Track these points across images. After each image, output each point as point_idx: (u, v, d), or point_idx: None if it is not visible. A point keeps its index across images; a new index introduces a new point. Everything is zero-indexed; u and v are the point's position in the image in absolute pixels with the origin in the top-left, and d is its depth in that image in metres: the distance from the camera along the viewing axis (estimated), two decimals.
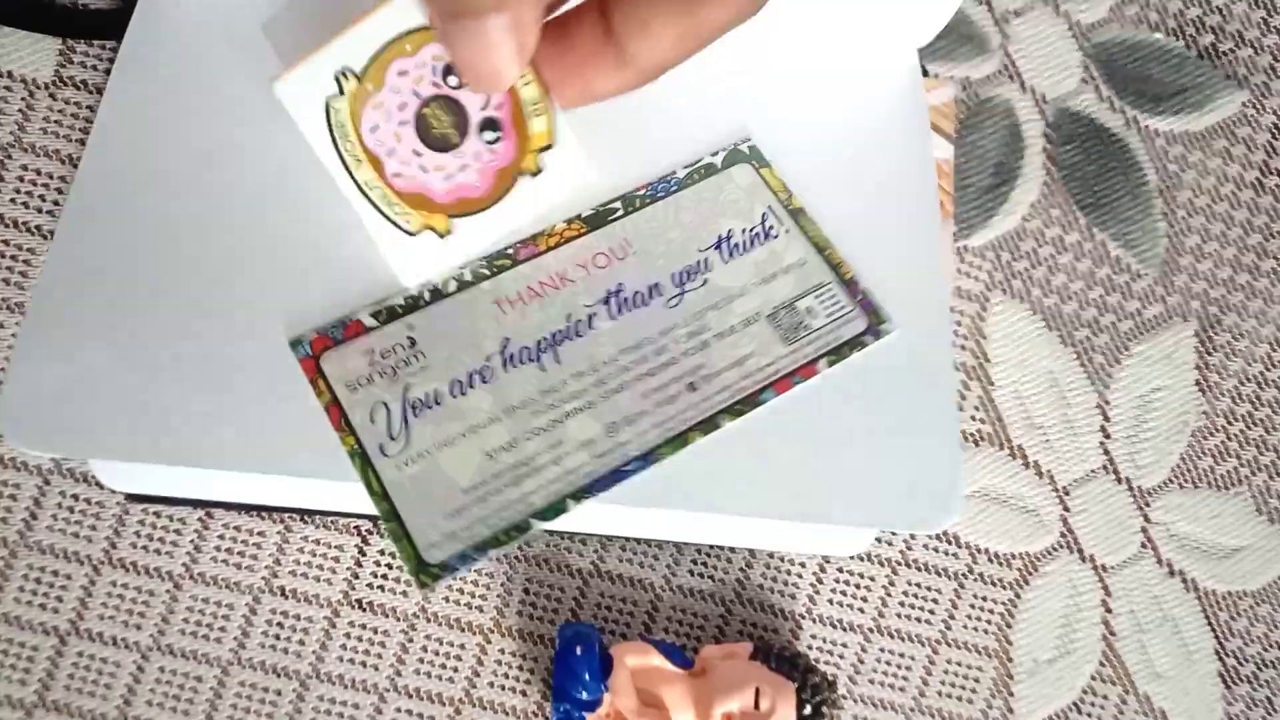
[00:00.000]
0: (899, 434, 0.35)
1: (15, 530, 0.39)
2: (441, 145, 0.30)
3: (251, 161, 0.35)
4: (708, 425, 0.34)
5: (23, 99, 0.41)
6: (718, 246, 0.36)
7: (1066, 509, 0.45)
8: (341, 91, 0.29)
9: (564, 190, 0.31)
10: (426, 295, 0.34)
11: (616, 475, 0.33)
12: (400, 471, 0.32)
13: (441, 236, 0.31)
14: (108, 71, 0.41)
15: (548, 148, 0.31)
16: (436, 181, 0.30)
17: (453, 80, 0.29)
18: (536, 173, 0.31)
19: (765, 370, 0.35)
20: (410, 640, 0.40)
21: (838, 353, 0.35)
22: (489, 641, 0.41)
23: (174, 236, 0.34)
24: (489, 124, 0.30)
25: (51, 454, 0.35)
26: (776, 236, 0.37)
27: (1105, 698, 0.44)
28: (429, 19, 0.26)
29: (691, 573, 0.42)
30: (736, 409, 0.34)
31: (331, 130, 0.29)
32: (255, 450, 0.32)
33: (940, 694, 0.43)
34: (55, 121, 0.41)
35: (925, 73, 0.46)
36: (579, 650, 0.37)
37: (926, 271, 0.38)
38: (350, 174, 0.29)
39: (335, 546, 0.40)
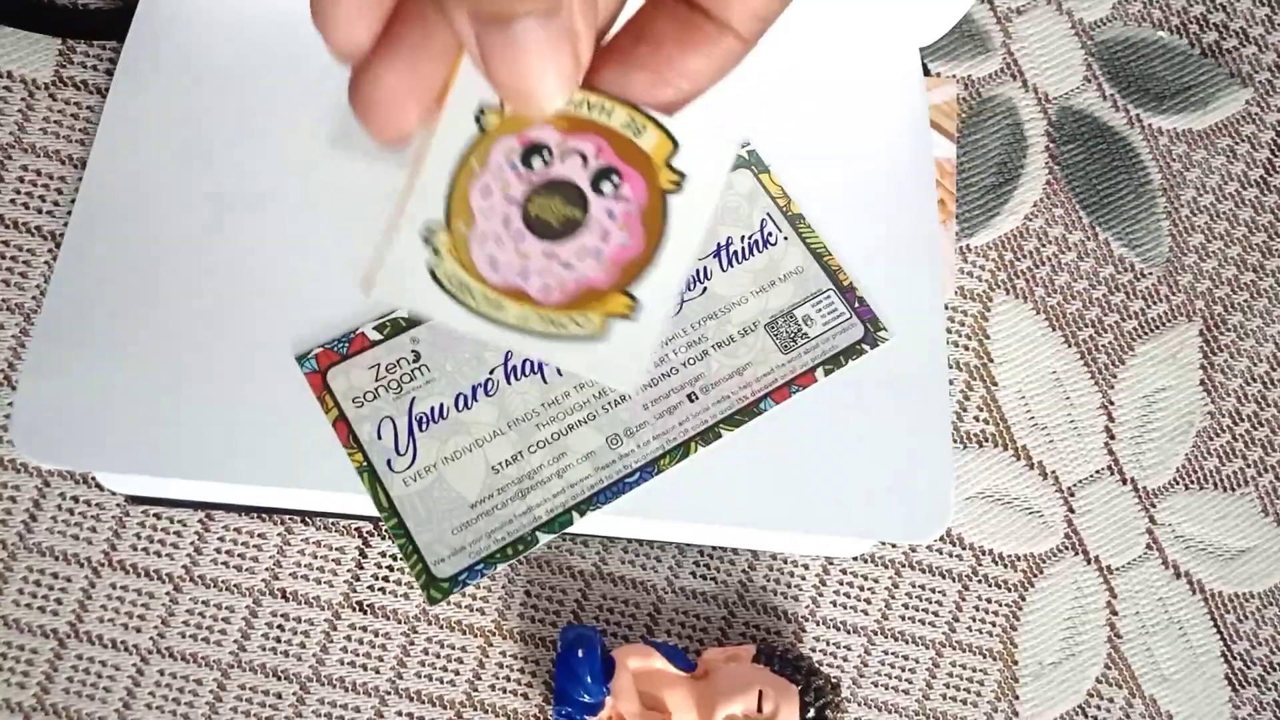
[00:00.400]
0: (892, 444, 0.35)
1: (15, 532, 0.38)
2: (569, 229, 0.25)
3: (255, 171, 0.35)
4: (708, 435, 0.34)
5: (23, 99, 0.41)
6: (716, 255, 0.36)
7: (1071, 510, 0.45)
8: (437, 252, 0.24)
9: (719, 180, 0.26)
10: None
11: (619, 487, 0.33)
12: (407, 487, 0.32)
13: (629, 317, 0.25)
14: (108, 72, 0.41)
15: (674, 151, 0.26)
16: (589, 267, 0.25)
17: (537, 161, 0.25)
18: (678, 184, 0.26)
19: (764, 379, 0.35)
20: (411, 643, 0.40)
21: (835, 361, 0.35)
22: (490, 644, 0.40)
23: (179, 249, 0.34)
24: (603, 174, 0.25)
25: (63, 466, 0.35)
26: (775, 243, 0.37)
27: (1111, 701, 0.44)
28: (456, 30, 0.21)
29: (694, 574, 0.42)
30: (736, 419, 0.34)
31: (453, 294, 0.24)
32: (263, 465, 0.33)
33: (944, 697, 0.43)
34: (55, 122, 0.41)
35: (927, 71, 0.46)
36: (581, 653, 0.36)
37: (924, 277, 0.38)
38: (496, 322, 0.24)
39: (336, 548, 0.40)
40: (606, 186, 0.25)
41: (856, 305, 0.36)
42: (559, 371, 0.34)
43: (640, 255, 0.25)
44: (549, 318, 0.25)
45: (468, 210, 0.24)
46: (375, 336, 0.34)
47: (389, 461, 0.33)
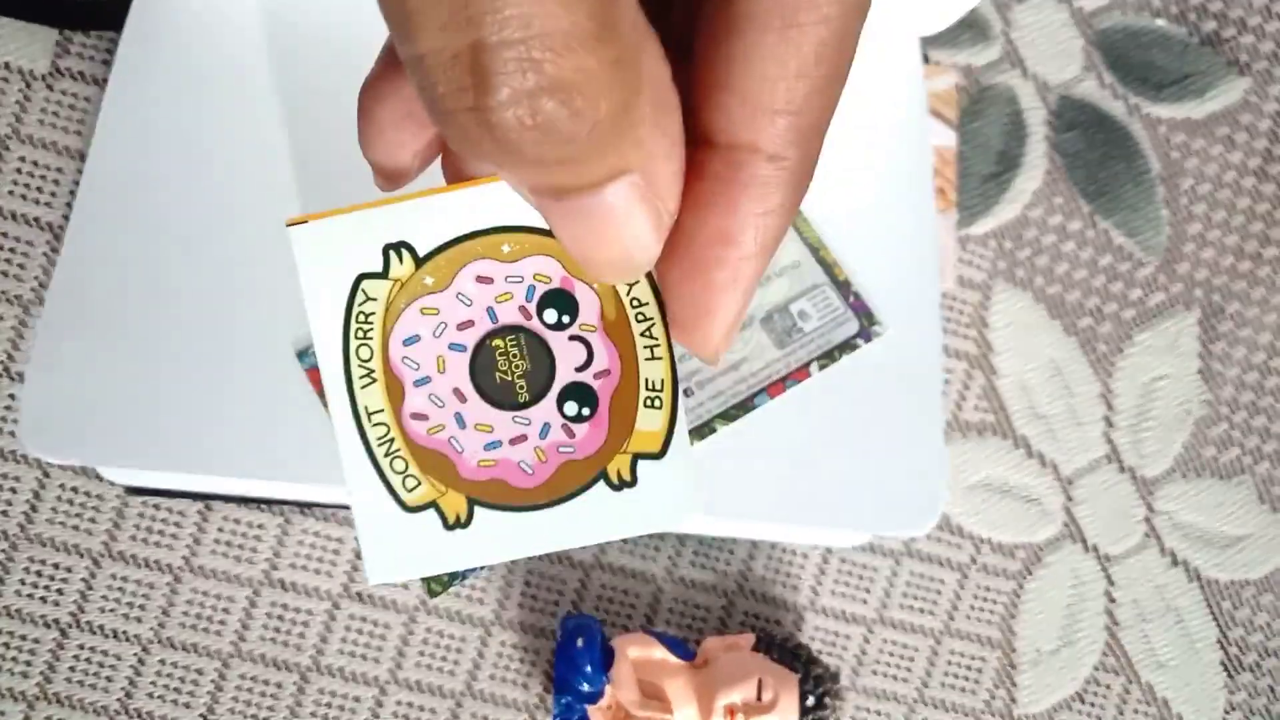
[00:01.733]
0: (885, 437, 0.35)
1: (16, 523, 0.38)
2: (500, 398, 0.20)
3: (255, 164, 0.35)
4: (703, 430, 0.34)
5: (20, 90, 0.40)
6: None
7: (1070, 499, 0.45)
8: (385, 273, 0.20)
9: (653, 526, 0.21)
10: None
11: None
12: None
13: (449, 527, 0.20)
14: (105, 62, 0.41)
15: (655, 456, 0.20)
16: (472, 444, 0.20)
17: (550, 316, 0.20)
18: (621, 486, 0.20)
19: (759, 374, 0.35)
20: (411, 633, 0.40)
21: (829, 355, 0.35)
22: (490, 634, 0.40)
23: (181, 244, 0.34)
24: (578, 393, 0.20)
25: (70, 462, 0.35)
26: None
27: (1108, 687, 0.44)
28: (525, 197, 0.17)
29: (693, 564, 0.42)
30: (730, 414, 0.34)
31: (350, 319, 0.20)
32: (265, 459, 0.33)
33: (943, 685, 0.43)
34: (53, 113, 0.40)
35: (926, 59, 0.46)
36: (580, 642, 0.37)
37: (920, 269, 0.38)
38: (350, 390, 0.20)
39: (335, 539, 0.40)
40: (570, 407, 0.20)
41: (851, 300, 0.36)
42: None
43: (523, 490, 0.20)
44: (391, 444, 0.20)
45: (450, 274, 0.20)
46: None
47: None
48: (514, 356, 0.20)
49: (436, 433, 0.20)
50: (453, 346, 0.20)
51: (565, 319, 0.20)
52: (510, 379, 0.20)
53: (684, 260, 0.18)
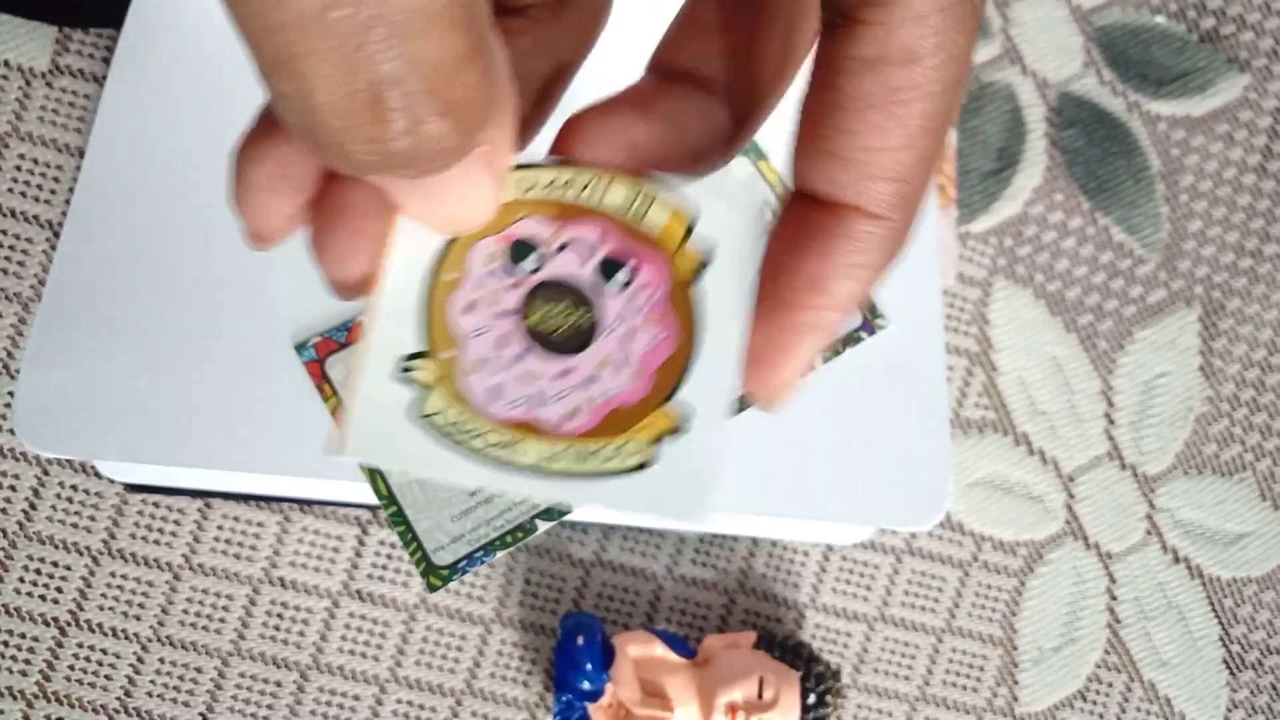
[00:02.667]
0: (890, 431, 0.35)
1: (15, 521, 0.38)
2: (581, 337, 0.20)
3: None
4: None
5: (20, 88, 0.40)
6: None
7: (1071, 496, 0.45)
8: (426, 385, 0.19)
9: (751, 240, 0.20)
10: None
11: None
12: (406, 475, 0.32)
13: (678, 431, 0.20)
14: (105, 60, 0.41)
15: (691, 220, 0.20)
16: (615, 380, 0.20)
17: (528, 261, 0.20)
18: (705, 257, 0.20)
19: None
20: (411, 631, 0.40)
21: (832, 349, 0.35)
22: (490, 632, 0.40)
23: (178, 238, 0.34)
24: (610, 265, 0.20)
25: (65, 455, 0.35)
26: None
27: (1110, 685, 0.44)
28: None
29: (694, 562, 0.42)
30: (733, 406, 0.34)
31: (450, 439, 0.19)
32: (262, 453, 0.33)
33: (945, 683, 0.43)
34: (53, 110, 0.40)
35: None
36: (581, 640, 0.36)
37: (922, 263, 0.37)
38: (510, 466, 0.19)
39: (335, 537, 0.40)
40: (619, 278, 0.20)
41: None
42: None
43: (677, 351, 0.20)
44: (577, 451, 0.19)
45: (449, 334, 0.19)
46: None
47: None
48: (551, 310, 0.20)
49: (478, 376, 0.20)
50: (518, 358, 0.20)
51: (623, 279, 0.20)
52: (571, 322, 0.20)
53: (771, 298, 0.18)
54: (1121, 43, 0.49)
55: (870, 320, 0.36)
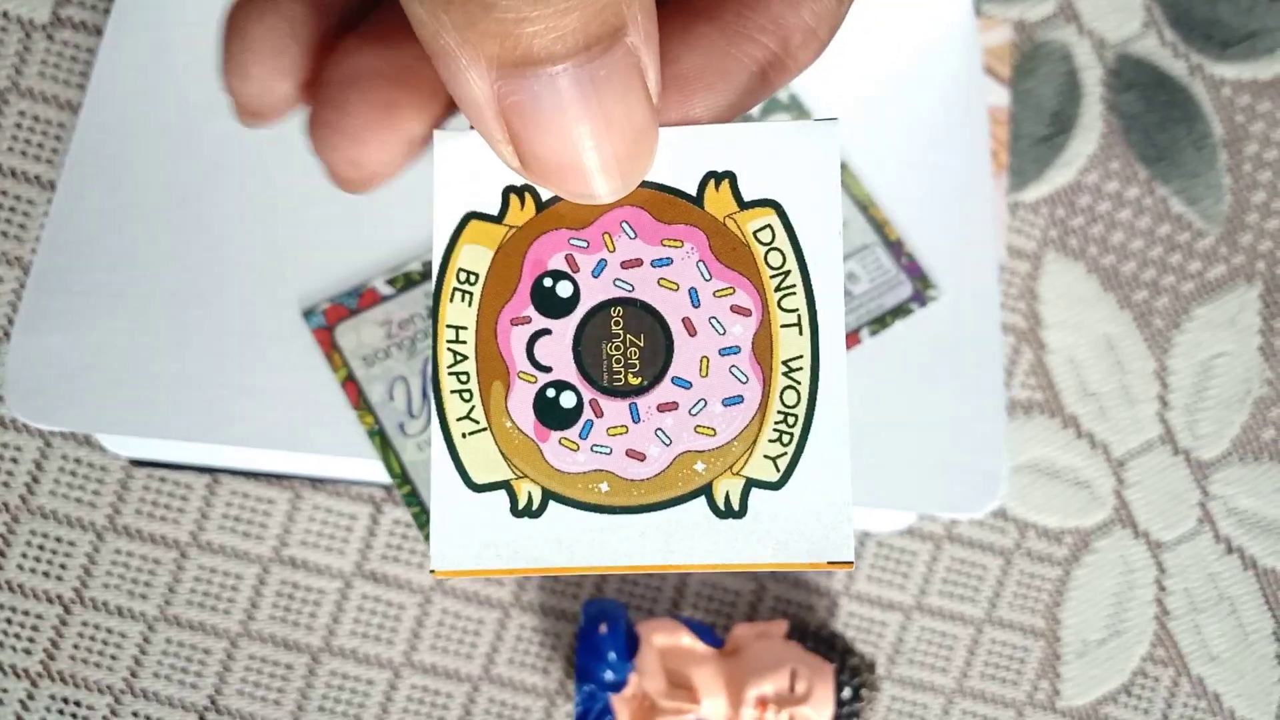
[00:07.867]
0: (941, 411, 0.33)
1: (17, 495, 0.37)
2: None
3: None
4: None
5: (19, 41, 0.39)
6: None
7: (1121, 482, 0.43)
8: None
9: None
10: None
11: None
12: (422, 452, 0.30)
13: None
14: (107, 11, 0.39)
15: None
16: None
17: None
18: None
19: None
20: (426, 614, 0.38)
21: (881, 321, 0.33)
22: (509, 616, 0.39)
23: (180, 198, 0.32)
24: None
25: (59, 427, 0.33)
26: None
27: (1157, 680, 0.42)
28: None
29: None
30: None
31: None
32: (269, 427, 0.31)
33: (984, 675, 0.41)
34: (53, 65, 0.39)
35: (979, 12, 0.43)
36: (604, 628, 0.35)
37: (977, 232, 0.35)
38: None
39: (347, 515, 0.38)
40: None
41: (904, 261, 0.34)
42: None
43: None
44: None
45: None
46: (387, 291, 0.32)
47: (401, 425, 0.31)
48: (627, 335, 0.17)
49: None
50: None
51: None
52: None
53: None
54: (1185, 1, 0.46)
55: (922, 291, 0.33)
